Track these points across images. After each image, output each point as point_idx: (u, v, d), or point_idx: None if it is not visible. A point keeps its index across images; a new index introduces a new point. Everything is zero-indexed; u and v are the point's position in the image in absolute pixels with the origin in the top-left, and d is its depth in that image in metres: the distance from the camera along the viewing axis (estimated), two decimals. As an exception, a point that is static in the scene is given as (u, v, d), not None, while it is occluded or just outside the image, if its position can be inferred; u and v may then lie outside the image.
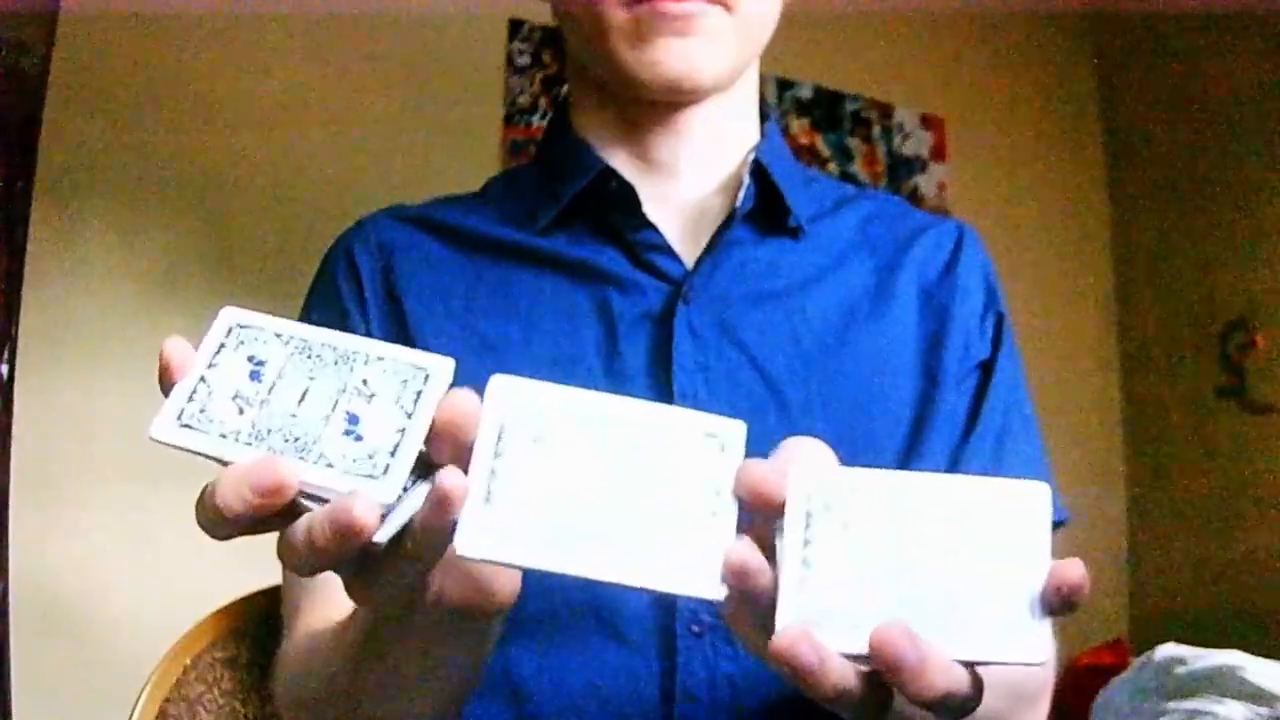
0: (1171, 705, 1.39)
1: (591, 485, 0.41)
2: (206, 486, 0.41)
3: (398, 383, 0.43)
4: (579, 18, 0.72)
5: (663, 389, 0.70)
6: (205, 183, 1.97)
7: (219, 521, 0.41)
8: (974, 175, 2.74)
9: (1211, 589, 2.59)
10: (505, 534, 0.40)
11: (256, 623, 0.89)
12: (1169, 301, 2.80)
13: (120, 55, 1.92)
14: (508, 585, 0.48)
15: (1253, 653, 1.39)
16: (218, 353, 0.45)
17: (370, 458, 0.42)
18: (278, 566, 0.74)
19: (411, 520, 0.41)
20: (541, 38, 2.30)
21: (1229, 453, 2.61)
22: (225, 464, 0.42)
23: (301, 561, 0.41)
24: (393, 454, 0.42)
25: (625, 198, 0.73)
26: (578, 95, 0.79)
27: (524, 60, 2.30)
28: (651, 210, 0.73)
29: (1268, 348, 2.55)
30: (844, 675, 0.39)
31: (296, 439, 0.42)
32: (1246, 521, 2.54)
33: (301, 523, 0.41)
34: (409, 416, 0.42)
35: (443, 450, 0.42)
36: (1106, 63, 3.02)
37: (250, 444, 0.42)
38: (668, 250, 0.73)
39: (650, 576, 0.40)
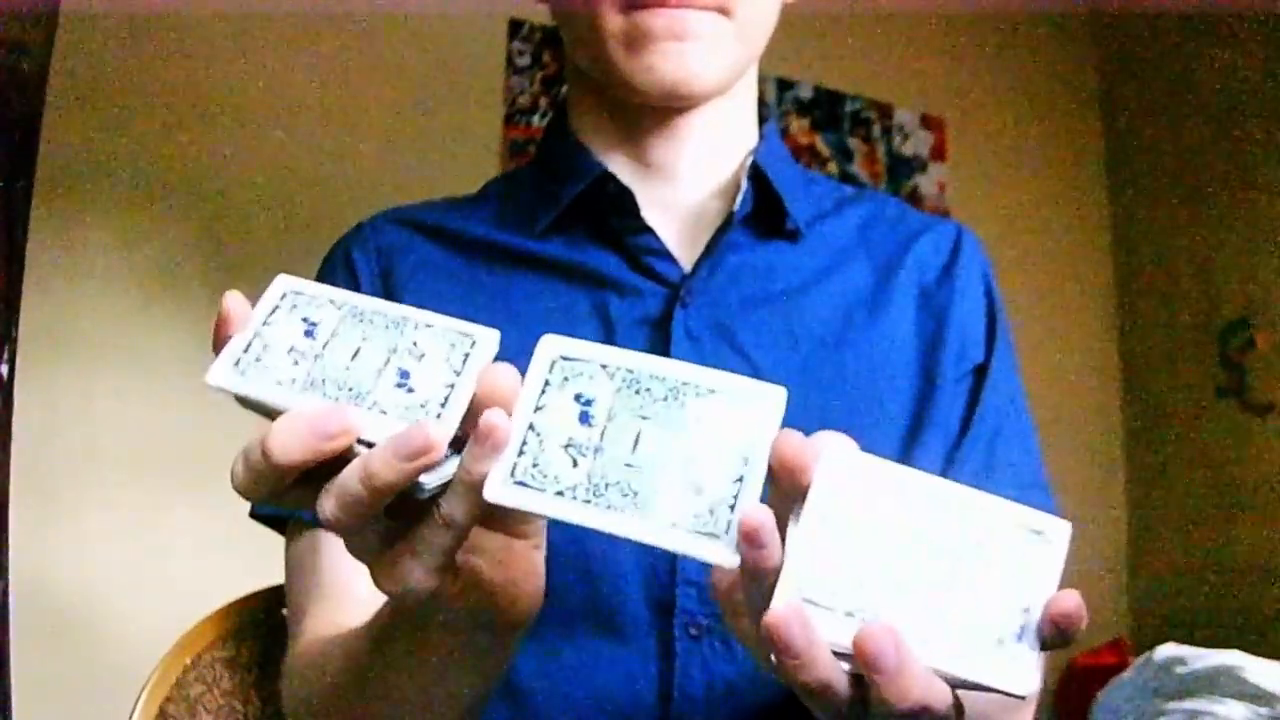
0: (1171, 705, 1.39)
1: (623, 444, 0.41)
2: (250, 443, 0.41)
3: (446, 345, 0.44)
4: (576, 22, 0.72)
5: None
6: (205, 183, 1.97)
7: (268, 473, 0.41)
8: (974, 175, 2.74)
9: (1211, 589, 2.59)
10: (532, 483, 0.40)
11: (256, 623, 0.89)
12: (1169, 301, 2.80)
13: (120, 55, 1.92)
14: (532, 586, 0.48)
15: (1253, 653, 1.39)
16: (272, 313, 0.45)
17: (422, 406, 0.42)
18: (278, 567, 0.75)
19: (451, 479, 0.41)
20: (541, 38, 2.30)
21: (1229, 453, 2.60)
22: (274, 415, 0.42)
23: (350, 504, 0.41)
24: (444, 405, 0.42)
25: (623, 201, 0.73)
26: (576, 98, 0.79)
27: (524, 60, 2.30)
28: (649, 214, 0.73)
29: (1268, 348, 2.55)
30: (829, 667, 0.39)
31: (350, 389, 0.43)
32: (1246, 521, 2.54)
33: (357, 460, 0.41)
34: (457, 374, 0.43)
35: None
36: (1106, 63, 3.02)
37: (305, 391, 0.43)
38: (665, 254, 0.73)
39: (668, 537, 0.39)
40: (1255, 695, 1.32)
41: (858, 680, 0.40)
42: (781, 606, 0.38)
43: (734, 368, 0.71)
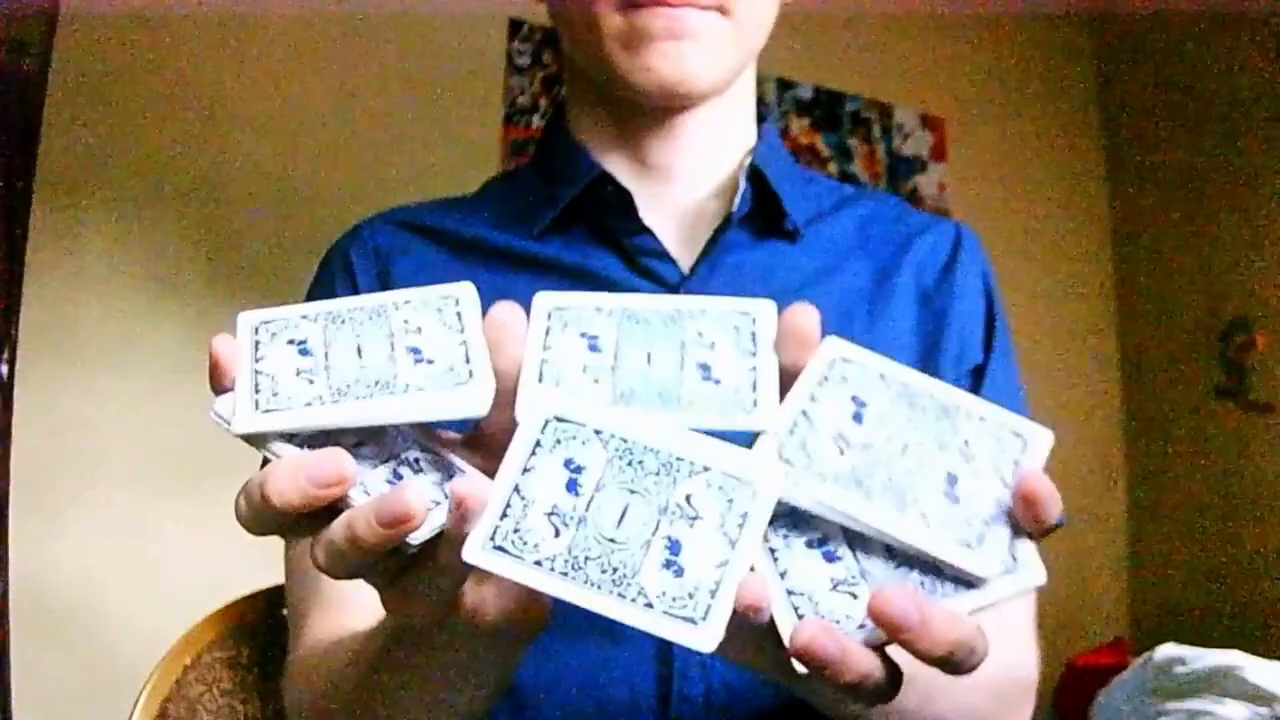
0: (1171, 705, 1.39)
1: (608, 517, 0.40)
2: (251, 480, 0.41)
3: (434, 312, 0.45)
4: (574, 22, 0.72)
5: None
6: (205, 183, 1.97)
7: (267, 513, 0.41)
8: (974, 175, 2.74)
9: (1211, 589, 2.59)
10: (511, 549, 0.39)
11: (256, 623, 0.89)
12: (1169, 301, 2.80)
13: (120, 55, 1.92)
14: (540, 609, 0.47)
15: (1253, 653, 1.39)
16: (255, 350, 0.45)
17: (451, 370, 0.43)
18: (278, 567, 0.75)
19: (442, 529, 0.41)
20: (541, 38, 2.30)
21: (1229, 453, 2.60)
22: (278, 453, 0.42)
23: (338, 557, 0.41)
24: (468, 362, 0.43)
25: (621, 202, 0.73)
26: (574, 98, 0.79)
27: (524, 60, 2.30)
28: (648, 214, 0.73)
29: (1268, 348, 2.55)
30: (864, 658, 0.39)
31: (378, 381, 0.43)
32: (1246, 521, 2.54)
33: (342, 518, 0.40)
34: (463, 333, 0.44)
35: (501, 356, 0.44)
36: (1106, 63, 3.02)
37: (338, 403, 0.43)
38: (664, 255, 0.73)
39: (644, 618, 0.39)
40: (1255, 695, 1.32)
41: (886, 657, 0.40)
42: (803, 626, 0.38)
43: None
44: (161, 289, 1.92)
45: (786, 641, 0.39)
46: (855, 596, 0.40)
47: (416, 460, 0.44)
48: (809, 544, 0.41)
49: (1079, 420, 2.74)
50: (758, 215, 0.75)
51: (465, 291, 0.45)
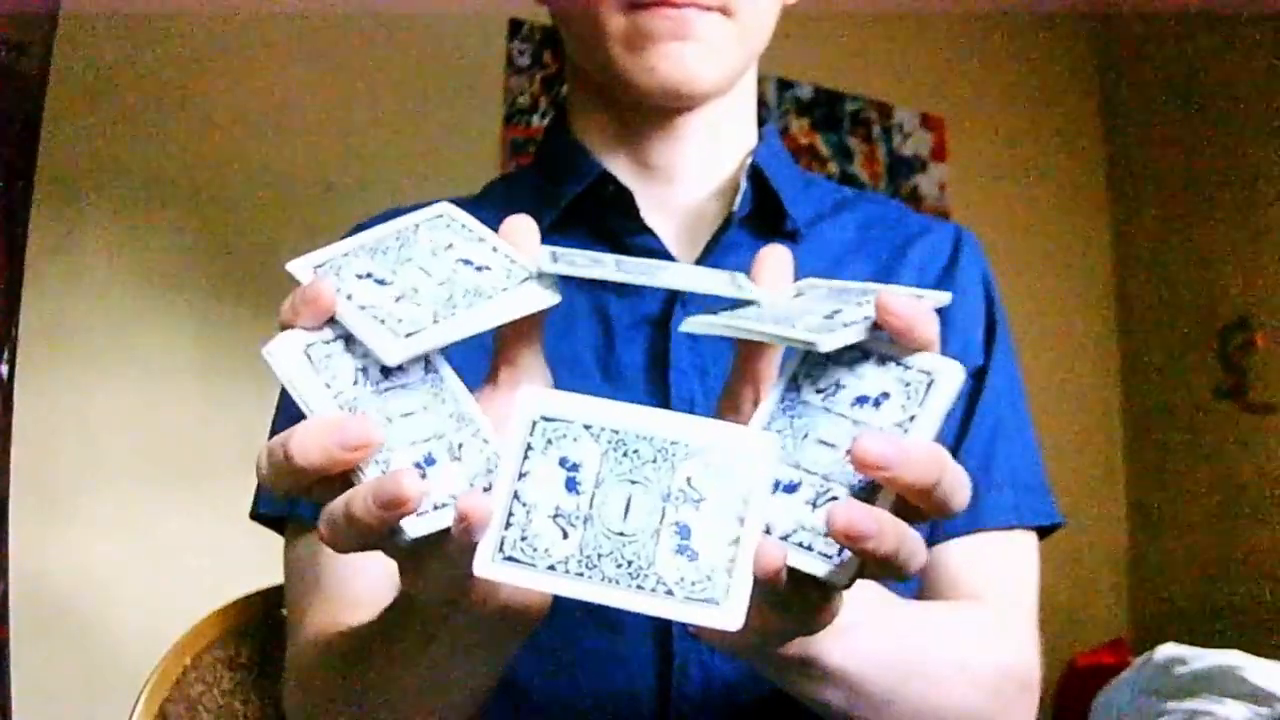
0: (1171, 705, 1.39)
1: (613, 511, 0.40)
2: (275, 440, 0.41)
3: (445, 231, 0.48)
4: (577, 22, 0.72)
5: (660, 391, 0.70)
6: (205, 183, 1.97)
7: (287, 471, 0.41)
8: (974, 175, 2.74)
9: (1211, 589, 2.59)
10: (522, 557, 0.40)
11: (256, 623, 0.89)
12: (1169, 301, 2.80)
13: (120, 55, 1.92)
14: (543, 597, 0.48)
15: (1253, 653, 1.39)
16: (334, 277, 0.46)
17: (509, 272, 0.46)
18: (277, 567, 0.75)
19: (448, 529, 0.41)
20: (541, 38, 2.30)
21: (1229, 453, 2.61)
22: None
23: (338, 532, 0.41)
24: (488, 267, 0.46)
25: (623, 202, 0.73)
26: (576, 99, 0.79)
27: (524, 60, 2.30)
28: (649, 214, 0.73)
29: (1268, 348, 2.55)
30: (895, 526, 0.40)
31: (461, 293, 0.44)
32: (1246, 521, 2.54)
33: (341, 499, 0.41)
34: (483, 240, 0.48)
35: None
36: (1106, 63, 3.02)
37: (385, 322, 0.42)
38: (665, 254, 0.73)
39: (666, 606, 0.39)
40: (1255, 695, 1.32)
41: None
42: (836, 507, 0.39)
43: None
44: (161, 289, 1.92)
45: (819, 573, 0.41)
46: (836, 499, 0.42)
47: (460, 446, 0.43)
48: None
49: (1079, 420, 2.74)
50: (758, 215, 0.75)
51: (448, 209, 0.47)
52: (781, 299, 0.48)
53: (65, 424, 1.82)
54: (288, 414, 0.72)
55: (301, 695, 0.66)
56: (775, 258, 0.50)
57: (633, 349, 0.71)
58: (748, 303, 0.48)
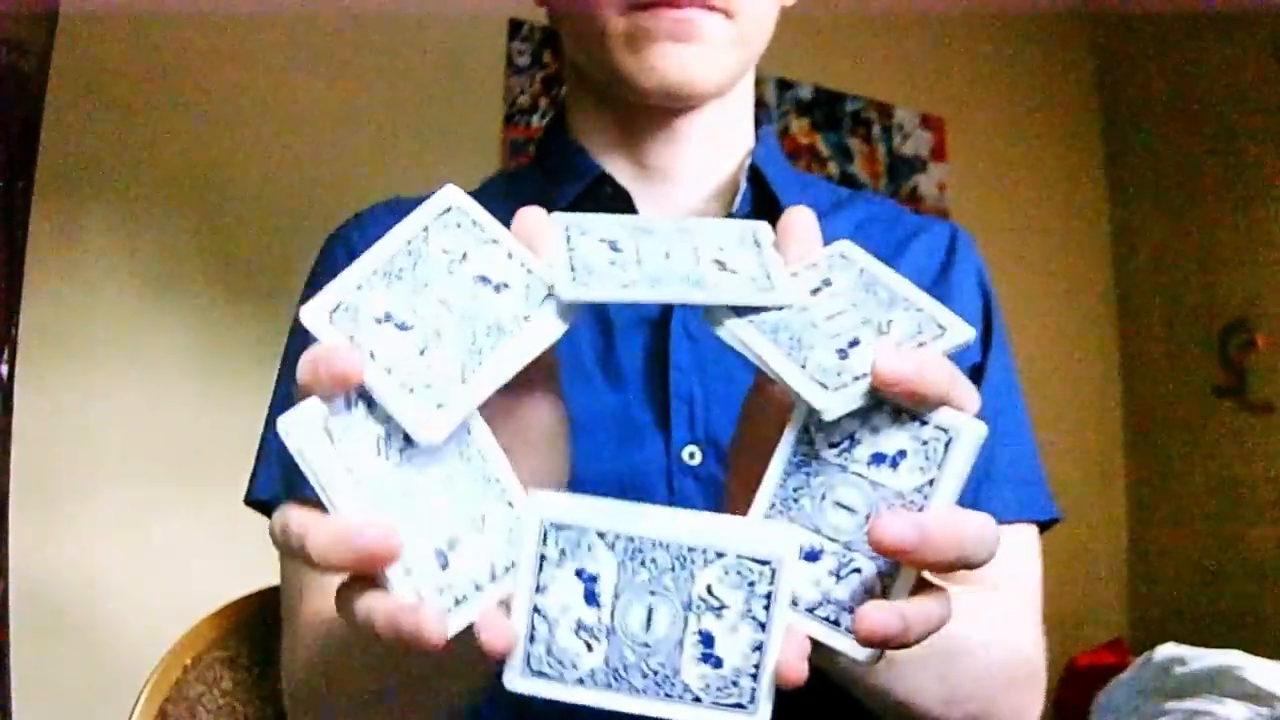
0: (1171, 705, 1.39)
1: (635, 623, 0.40)
2: (294, 520, 0.40)
3: (452, 229, 0.49)
4: (577, 23, 0.72)
5: (659, 390, 0.70)
6: (205, 183, 1.97)
7: (300, 558, 0.40)
8: (974, 175, 2.74)
9: (1211, 589, 2.59)
10: (550, 672, 0.40)
11: (256, 623, 0.89)
12: (1169, 301, 2.80)
13: (120, 55, 1.92)
14: None
15: (1253, 653, 1.39)
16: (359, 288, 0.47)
17: (514, 258, 0.47)
18: (277, 567, 0.75)
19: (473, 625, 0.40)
20: (541, 38, 2.30)
21: (1229, 453, 2.61)
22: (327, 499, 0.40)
23: (364, 633, 0.40)
24: (510, 256, 0.47)
25: (621, 203, 0.73)
26: (575, 99, 0.79)
27: (524, 60, 2.30)
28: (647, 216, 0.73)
29: (1268, 348, 2.55)
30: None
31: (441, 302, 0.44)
32: (1246, 521, 2.54)
33: (364, 605, 0.39)
34: (496, 242, 0.47)
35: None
36: (1106, 63, 3.02)
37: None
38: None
39: (696, 714, 0.40)
40: (1255, 695, 1.32)
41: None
42: (865, 612, 0.39)
43: (732, 365, 0.71)
44: (162, 288, 1.92)
45: (847, 651, 0.42)
46: (860, 570, 0.42)
47: (484, 518, 0.42)
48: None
49: (1079, 420, 2.74)
50: (757, 216, 0.75)
51: (455, 198, 0.49)
52: (805, 293, 0.46)
53: (65, 424, 1.82)
54: (284, 393, 0.72)
55: (297, 684, 0.66)
56: (801, 222, 0.48)
57: (632, 348, 0.71)
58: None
